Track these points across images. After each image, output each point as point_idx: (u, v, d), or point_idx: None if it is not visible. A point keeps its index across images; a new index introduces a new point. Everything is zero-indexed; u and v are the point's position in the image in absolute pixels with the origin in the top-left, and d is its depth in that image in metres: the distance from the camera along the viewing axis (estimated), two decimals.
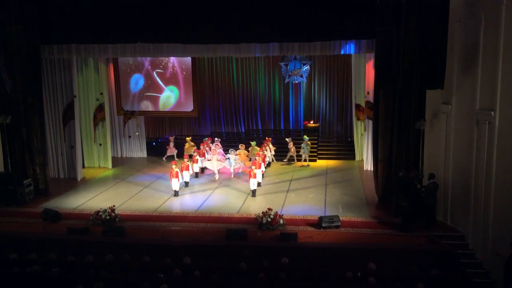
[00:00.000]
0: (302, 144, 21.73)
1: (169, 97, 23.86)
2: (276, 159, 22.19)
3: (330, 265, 11.54)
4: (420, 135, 14.91)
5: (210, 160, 19.60)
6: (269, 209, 14.69)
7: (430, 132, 14.94)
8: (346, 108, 24.76)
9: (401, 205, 14.07)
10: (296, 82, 24.73)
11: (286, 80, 24.69)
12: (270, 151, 21.27)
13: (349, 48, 16.39)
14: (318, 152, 23.56)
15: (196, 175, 19.72)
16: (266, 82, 25.28)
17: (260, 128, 25.75)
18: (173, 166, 17.40)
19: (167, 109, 24.06)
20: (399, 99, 15.22)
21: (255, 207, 16.02)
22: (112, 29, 16.75)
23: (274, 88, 25.30)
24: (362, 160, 21.65)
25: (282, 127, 25.61)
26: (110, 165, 22.12)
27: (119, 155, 24.28)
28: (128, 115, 23.78)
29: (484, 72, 12.59)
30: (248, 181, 17.59)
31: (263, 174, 19.13)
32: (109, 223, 14.80)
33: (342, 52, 16.66)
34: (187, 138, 22.03)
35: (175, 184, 17.46)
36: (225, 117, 25.96)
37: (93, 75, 21.52)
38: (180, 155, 21.78)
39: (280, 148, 22.46)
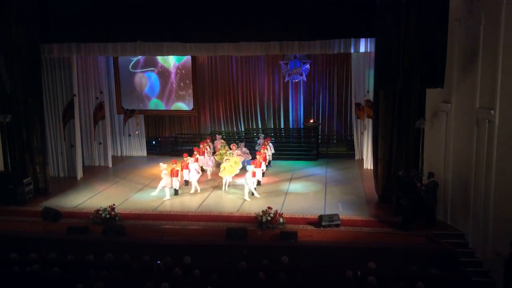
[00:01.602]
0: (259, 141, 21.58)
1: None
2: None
3: (330, 264, 11.57)
4: (420, 134, 14.91)
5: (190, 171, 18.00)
6: (269, 208, 14.70)
7: (430, 131, 14.94)
8: (346, 107, 24.75)
9: (401, 204, 14.07)
10: (296, 81, 24.73)
11: (286, 79, 24.69)
12: (271, 150, 21.23)
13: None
14: (318, 151, 23.59)
15: (176, 192, 17.63)
16: (266, 81, 25.28)
17: (260, 127, 25.75)
18: (174, 165, 17.39)
19: (181, 62, 23.53)
20: (399, 98, 15.19)
21: (255, 206, 16.02)
22: (112, 28, 16.71)
23: (274, 87, 25.30)
24: (362, 159, 21.65)
25: (282, 126, 25.61)
26: (110, 164, 22.14)
27: (119, 154, 24.28)
28: (128, 113, 23.76)
29: (484, 71, 12.58)
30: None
31: (263, 173, 19.13)
32: (109, 222, 14.82)
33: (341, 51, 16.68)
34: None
35: (175, 183, 17.45)
36: (225, 116, 25.96)
37: (93, 74, 21.51)
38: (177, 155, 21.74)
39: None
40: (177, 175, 17.33)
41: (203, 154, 20.29)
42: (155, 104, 23.94)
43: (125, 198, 17.28)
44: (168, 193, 17.23)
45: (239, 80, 25.47)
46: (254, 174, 17.34)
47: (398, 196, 14.33)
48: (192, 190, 17.86)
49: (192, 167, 17.91)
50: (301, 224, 14.68)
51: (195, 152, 19.46)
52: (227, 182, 18.07)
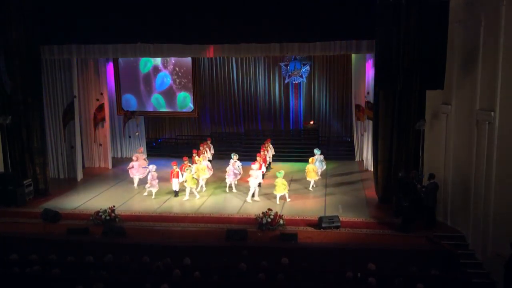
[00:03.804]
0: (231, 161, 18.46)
1: None
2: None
3: (330, 265, 11.55)
4: (420, 135, 14.90)
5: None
6: (269, 209, 14.70)
7: (430, 133, 14.93)
8: (346, 108, 24.76)
9: (402, 205, 14.04)
10: (296, 82, 24.75)
11: (286, 81, 24.71)
12: (271, 151, 21.15)
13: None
14: None
15: (176, 194, 17.64)
16: (266, 83, 25.30)
17: (260, 128, 25.75)
18: (174, 167, 17.39)
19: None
20: (399, 99, 15.21)
21: (255, 207, 16.01)
22: (112, 29, 16.72)
23: (274, 88, 25.33)
24: (362, 161, 21.64)
25: (282, 128, 25.61)
26: (110, 165, 22.13)
27: (119, 155, 24.27)
28: (128, 115, 23.75)
29: (484, 72, 12.58)
30: (248, 181, 17.52)
31: (263, 175, 19.10)
32: (109, 224, 14.81)
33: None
34: None
35: (175, 184, 17.44)
36: (225, 117, 25.97)
37: (93, 75, 21.53)
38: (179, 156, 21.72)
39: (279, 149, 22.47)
40: (177, 177, 17.31)
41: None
42: (156, 99, 23.73)
43: (125, 200, 17.27)
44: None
45: (239, 82, 25.48)
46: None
47: (398, 197, 14.32)
48: (198, 189, 17.92)
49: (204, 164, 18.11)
50: (301, 225, 14.69)
51: (194, 154, 19.40)
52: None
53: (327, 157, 22.84)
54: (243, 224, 14.80)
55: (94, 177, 20.65)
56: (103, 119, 21.86)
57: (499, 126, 12.00)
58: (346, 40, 16.05)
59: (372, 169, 18.13)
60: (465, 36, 13.27)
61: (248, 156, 20.44)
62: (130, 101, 23.56)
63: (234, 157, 18.34)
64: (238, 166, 18.11)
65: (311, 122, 24.64)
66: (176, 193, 17.57)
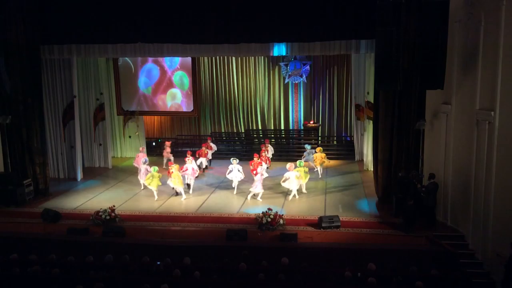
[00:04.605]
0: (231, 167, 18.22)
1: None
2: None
3: (330, 265, 11.55)
4: (420, 135, 14.91)
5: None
6: (269, 209, 14.70)
7: (430, 132, 14.93)
8: (346, 108, 24.77)
9: (406, 205, 13.98)
10: (296, 82, 24.74)
11: (286, 81, 24.70)
12: (270, 151, 21.14)
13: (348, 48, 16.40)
14: None
15: (176, 193, 17.58)
16: (266, 82, 25.30)
17: (260, 128, 25.75)
18: (170, 167, 17.38)
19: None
20: (399, 99, 15.20)
21: (255, 207, 16.02)
22: (112, 29, 16.75)
23: (274, 88, 25.33)
24: (362, 160, 21.65)
25: (282, 127, 25.60)
26: (110, 165, 22.13)
27: (119, 155, 24.26)
28: (128, 115, 23.72)
29: (484, 72, 12.58)
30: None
31: None
32: (109, 223, 14.81)
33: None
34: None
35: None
36: (225, 117, 25.97)
37: (93, 75, 21.52)
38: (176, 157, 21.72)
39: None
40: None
41: (205, 156, 20.30)
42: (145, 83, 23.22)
43: (125, 200, 17.27)
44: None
45: (239, 82, 25.49)
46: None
47: (398, 197, 14.31)
48: (191, 191, 17.77)
49: (190, 167, 17.71)
50: (301, 225, 14.68)
51: (188, 156, 19.32)
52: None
53: (327, 157, 22.91)
54: (243, 224, 14.80)
55: (94, 177, 20.64)
56: (103, 119, 21.85)
57: (499, 126, 12.00)
58: (346, 40, 16.05)
59: (372, 169, 18.13)
60: (465, 37, 13.26)
61: (248, 156, 20.47)
62: (152, 71, 23.06)
63: (234, 161, 18.14)
64: (239, 170, 17.90)
65: (311, 122, 24.64)
66: (176, 193, 17.55)
